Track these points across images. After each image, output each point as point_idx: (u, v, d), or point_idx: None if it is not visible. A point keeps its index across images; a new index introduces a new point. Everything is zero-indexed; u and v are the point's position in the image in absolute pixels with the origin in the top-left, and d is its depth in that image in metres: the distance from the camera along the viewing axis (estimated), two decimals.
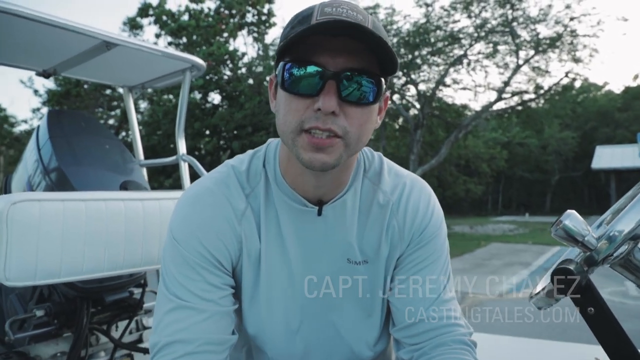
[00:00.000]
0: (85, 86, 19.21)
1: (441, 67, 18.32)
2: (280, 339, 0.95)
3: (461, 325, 0.94)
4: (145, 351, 1.99)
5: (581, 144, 31.90)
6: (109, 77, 2.66)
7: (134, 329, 2.17)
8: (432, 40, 17.46)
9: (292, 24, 0.80)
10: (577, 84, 20.62)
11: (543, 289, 0.88)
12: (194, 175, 2.61)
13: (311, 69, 0.75)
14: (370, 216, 0.94)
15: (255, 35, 21.50)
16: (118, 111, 21.64)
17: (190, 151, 2.26)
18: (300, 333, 0.96)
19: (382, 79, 0.78)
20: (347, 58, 0.75)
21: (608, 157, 22.57)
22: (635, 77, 50.50)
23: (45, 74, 2.38)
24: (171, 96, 20.35)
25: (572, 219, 0.77)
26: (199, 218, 0.87)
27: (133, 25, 19.95)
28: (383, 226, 0.94)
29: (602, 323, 0.73)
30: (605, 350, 0.73)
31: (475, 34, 17.26)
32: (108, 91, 20.42)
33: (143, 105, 22.20)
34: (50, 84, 20.05)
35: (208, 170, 2.24)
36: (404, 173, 1.01)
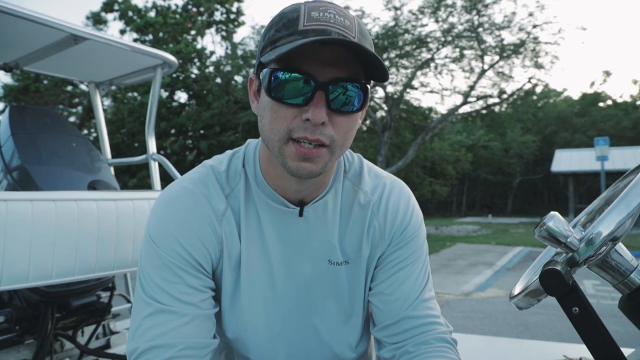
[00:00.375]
0: (45, 81, 18.47)
1: (409, 70, 18.63)
2: (261, 343, 0.94)
3: (441, 323, 0.95)
4: (114, 357, 1.92)
5: (541, 147, 33.12)
6: (75, 73, 2.55)
7: (101, 334, 2.08)
8: (401, 43, 17.73)
9: (276, 26, 0.77)
10: (538, 89, 21.39)
11: (524, 289, 0.89)
12: (164, 175, 2.54)
13: (300, 78, 0.73)
14: (351, 216, 0.94)
15: (224, 33, 21.27)
16: (80, 108, 20.93)
17: (156, 151, 2.20)
18: (281, 336, 0.94)
19: (368, 86, 0.78)
20: (335, 68, 0.74)
21: (566, 160, 23.47)
22: (592, 84, 52.85)
23: (7, 68, 2.25)
24: (136, 94, 19.86)
25: (556, 220, 0.79)
26: (177, 219, 0.84)
27: (97, 20, 19.35)
28: (364, 226, 0.94)
29: (586, 322, 0.75)
30: (589, 349, 0.75)
31: (443, 39, 17.65)
32: (69, 87, 19.72)
33: (106, 102, 21.57)
34: (6, 78, 19.22)
35: (178, 169, 2.19)
36: (384, 174, 1.02)
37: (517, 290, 0.95)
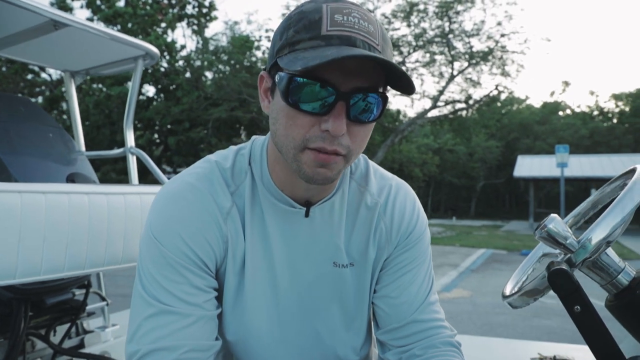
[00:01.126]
0: (4, 69, 17.65)
1: None
2: (263, 345, 0.91)
3: (447, 327, 0.95)
4: (88, 356, 1.85)
5: (504, 153, 34.17)
6: (49, 60, 2.43)
7: (74, 333, 2.00)
8: None
9: (295, 27, 0.72)
10: (503, 96, 22.04)
11: (521, 289, 0.91)
12: (143, 170, 2.47)
13: (322, 88, 0.70)
14: (358, 218, 0.93)
15: (195, 28, 20.90)
16: (40, 98, 20.11)
17: (120, 145, 2.11)
18: (283, 339, 0.92)
19: (387, 94, 0.77)
20: (358, 77, 0.71)
21: (528, 166, 24.28)
22: (552, 93, 54.90)
23: None
24: (101, 85, 19.27)
25: (556, 223, 0.81)
26: (182, 216, 0.81)
27: (62, 7, 18.64)
28: (371, 228, 0.93)
29: (587, 321, 0.77)
30: (589, 347, 0.77)
31: (414, 43, 17.95)
32: (30, 76, 18.91)
33: None
34: None
35: (156, 163, 2.13)
36: (389, 175, 1.01)
37: (509, 290, 0.97)
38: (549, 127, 34.21)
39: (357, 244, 0.93)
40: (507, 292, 0.96)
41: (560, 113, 39.55)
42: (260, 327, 0.90)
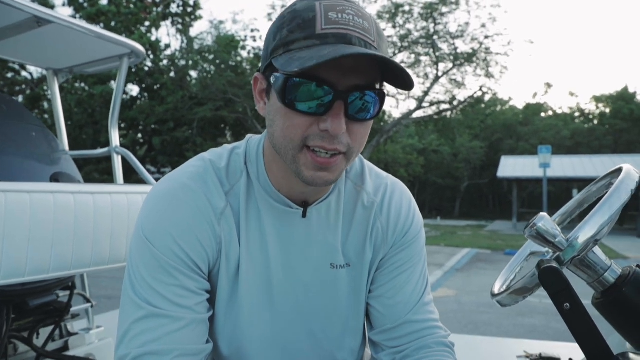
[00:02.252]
0: None
1: None
2: (257, 349, 0.90)
3: (441, 327, 0.95)
4: (72, 359, 1.82)
5: (488, 153, 34.55)
6: (31, 58, 2.38)
7: (57, 336, 1.96)
8: None
9: (289, 26, 0.71)
10: (487, 97, 22.31)
11: (509, 287, 0.92)
12: (127, 170, 2.43)
13: (320, 87, 0.69)
14: (354, 218, 0.92)
15: (180, 27, 20.71)
16: (21, 97, 19.72)
17: (104, 144, 2.08)
18: (279, 342, 0.91)
19: (385, 91, 0.77)
20: (355, 75, 0.71)
21: (511, 166, 24.58)
22: (534, 95, 55.74)
23: None
24: (84, 84, 18.97)
25: (545, 221, 0.82)
26: (174, 216, 0.80)
27: (43, 3, 18.30)
28: (368, 228, 0.92)
29: (576, 318, 0.78)
30: (578, 343, 0.78)
31: (399, 44, 18.05)
32: (10, 74, 18.53)
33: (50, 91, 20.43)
34: None
35: (141, 163, 2.10)
36: (384, 174, 1.01)
37: (498, 288, 0.98)
38: (532, 128, 34.71)
39: (354, 245, 0.92)
40: (496, 290, 0.97)
41: (543, 114, 40.17)
42: (254, 330, 0.88)
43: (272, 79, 0.74)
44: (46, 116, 17.94)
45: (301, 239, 0.88)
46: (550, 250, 0.90)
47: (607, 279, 0.85)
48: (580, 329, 0.79)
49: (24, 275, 1.05)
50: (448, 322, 5.99)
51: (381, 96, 0.76)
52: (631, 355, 0.79)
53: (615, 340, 0.99)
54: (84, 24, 1.93)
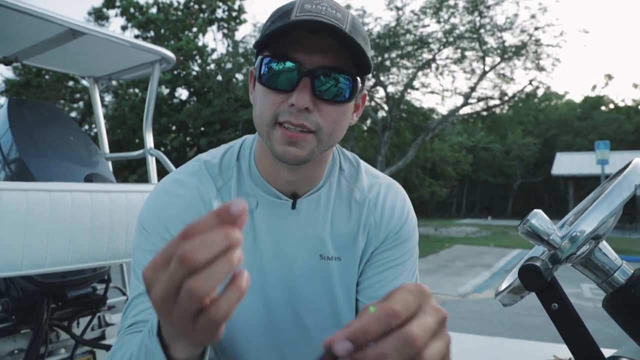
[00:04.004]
0: (47, 77, 18.50)
1: (410, 71, 18.64)
2: (250, 341, 0.93)
3: None
4: (108, 348, 1.94)
5: (542, 150, 33.08)
6: (74, 67, 2.57)
7: (96, 326, 2.10)
8: (402, 43, 17.73)
9: (272, 19, 0.80)
10: (540, 92, 21.39)
11: (509, 286, 0.90)
12: (162, 170, 2.55)
13: (287, 64, 0.76)
14: (346, 212, 0.95)
15: (225, 31, 21.26)
16: (81, 104, 20.95)
17: (156, 147, 2.21)
18: (271, 334, 0.94)
19: (358, 78, 0.79)
20: (323, 56, 0.76)
21: (567, 163, 23.45)
22: (594, 87, 52.85)
23: (6, 61, 2.27)
24: (137, 90, 19.87)
25: (539, 218, 0.80)
26: (167, 208, 0.87)
27: (99, 15, 19.38)
28: (360, 222, 0.95)
29: (565, 319, 0.76)
30: (567, 345, 0.76)
31: (444, 39, 17.64)
32: (71, 82, 19.74)
33: (108, 98, 21.58)
34: (8, 73, 19.27)
35: (176, 165, 2.20)
36: (381, 175, 1.03)
37: (502, 287, 0.96)
38: (590, 123, 32.88)
39: (345, 237, 0.94)
40: (500, 289, 0.96)
41: (603, 108, 37.96)
42: (247, 321, 0.92)
43: (255, 64, 0.81)
44: (105, 121, 18.90)
45: (291, 230, 0.91)
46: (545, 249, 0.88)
47: (616, 280, 0.81)
48: (569, 330, 0.77)
49: (44, 267, 1.15)
50: (492, 325, 5.81)
51: (354, 81, 0.79)
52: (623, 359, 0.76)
53: (632, 347, 0.95)
54: (115, 34, 2.06)
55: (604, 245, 0.84)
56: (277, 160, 0.82)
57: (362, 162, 1.03)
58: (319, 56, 0.76)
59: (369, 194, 0.97)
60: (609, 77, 50.52)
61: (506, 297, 0.92)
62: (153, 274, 0.43)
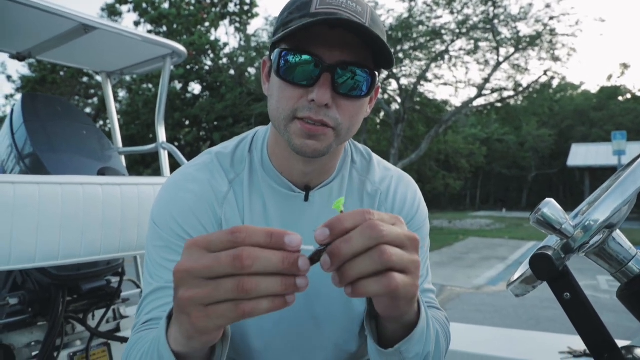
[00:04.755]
0: (62, 73, 18.73)
1: (423, 62, 18.46)
2: (260, 333, 0.93)
3: (440, 309, 0.95)
4: (123, 340, 1.97)
5: (557, 141, 32.61)
6: (86, 62, 2.59)
7: (111, 318, 2.13)
8: (415, 35, 17.55)
9: (289, 9, 0.79)
10: (555, 82, 21.05)
11: (521, 276, 0.89)
12: (174, 164, 2.57)
13: (307, 59, 0.75)
14: (357, 204, 0.95)
15: (237, 25, 21.29)
16: (95, 99, 21.19)
17: (169, 142, 2.23)
18: (282, 326, 0.93)
19: (376, 72, 0.79)
20: (343, 51, 0.75)
21: (583, 155, 23.11)
22: (609, 77, 51.80)
23: (20, 57, 2.30)
24: (150, 85, 20.03)
25: (551, 207, 0.79)
26: (179, 203, 0.87)
27: (112, 11, 19.54)
28: None
29: (577, 308, 0.75)
30: (579, 334, 0.75)
31: (457, 30, 17.42)
32: (85, 79, 19.97)
33: (121, 94, 21.81)
34: (24, 69, 19.57)
35: (188, 159, 2.21)
36: (392, 167, 1.03)
37: (514, 277, 0.95)
38: (607, 113, 32.28)
39: None
40: (512, 279, 0.95)
41: (620, 98, 37.20)
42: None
43: (272, 56, 0.80)
44: (118, 116, 19.13)
45: (304, 222, 0.91)
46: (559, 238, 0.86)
47: (631, 269, 0.80)
48: (581, 320, 0.76)
49: (57, 259, 1.16)
50: (508, 317, 5.77)
51: (372, 76, 0.78)
52: (636, 349, 0.74)
53: None
54: (126, 28, 2.07)
55: (618, 234, 0.83)
56: (293, 152, 0.82)
57: (374, 155, 1.03)
58: (339, 51, 0.75)
59: (381, 186, 0.97)
60: (625, 66, 49.40)
61: (518, 288, 0.91)
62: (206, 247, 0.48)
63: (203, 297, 0.46)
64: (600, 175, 26.30)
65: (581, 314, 0.76)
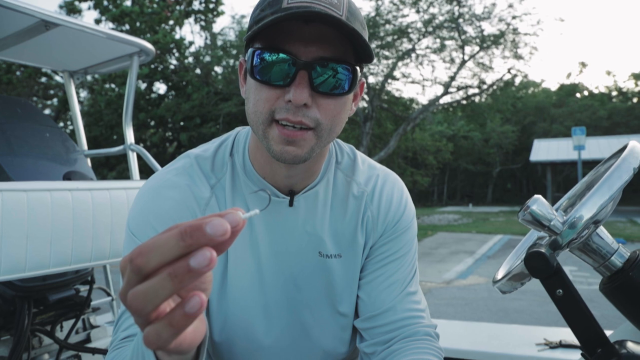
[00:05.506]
0: (18, 73, 17.95)
1: (390, 61, 18.66)
2: (248, 340, 0.90)
3: (425, 317, 0.93)
4: (95, 351, 1.88)
5: (520, 137, 33.62)
6: (47, 61, 2.46)
7: (81, 329, 2.04)
8: (382, 33, 17.72)
9: (261, 6, 0.75)
10: (518, 80, 21.66)
11: (508, 273, 0.89)
12: (143, 167, 2.48)
13: (282, 57, 0.71)
14: (344, 208, 0.92)
15: (203, 23, 20.94)
16: (55, 100, 20.42)
17: (135, 143, 2.14)
18: (270, 333, 0.91)
19: (357, 67, 0.75)
20: (319, 46, 0.71)
21: (545, 150, 23.88)
22: (568, 75, 53.81)
23: None
24: (113, 85, 19.47)
25: (539, 204, 0.79)
26: (158, 210, 0.82)
27: (71, 9, 18.84)
28: (358, 217, 0.92)
29: (570, 305, 0.75)
30: (572, 331, 0.75)
31: (423, 29, 17.69)
32: (44, 79, 19.20)
33: (83, 94, 21.10)
34: None
35: (158, 162, 2.14)
36: (377, 165, 1.00)
37: (500, 274, 0.95)
38: (566, 110, 33.51)
39: (345, 234, 0.91)
40: (498, 277, 0.94)
41: (578, 95, 38.69)
42: (246, 320, 0.88)
43: (246, 56, 0.76)
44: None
45: (289, 228, 0.88)
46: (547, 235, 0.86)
47: (613, 263, 0.81)
48: (574, 316, 0.76)
49: (24, 271, 1.09)
50: (478, 309, 5.89)
51: (353, 71, 0.74)
52: (629, 343, 0.75)
53: (628, 328, 0.95)
54: (90, 25, 1.97)
55: (601, 229, 0.83)
56: (280, 164, 0.78)
57: (359, 153, 1.00)
58: (315, 47, 0.71)
59: (367, 187, 0.94)
60: (583, 64, 51.43)
61: (505, 285, 0.91)
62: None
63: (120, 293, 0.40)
64: (560, 169, 27.28)
65: (574, 310, 0.76)
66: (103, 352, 1.90)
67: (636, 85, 37.13)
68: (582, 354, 0.79)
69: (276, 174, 0.84)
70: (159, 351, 0.51)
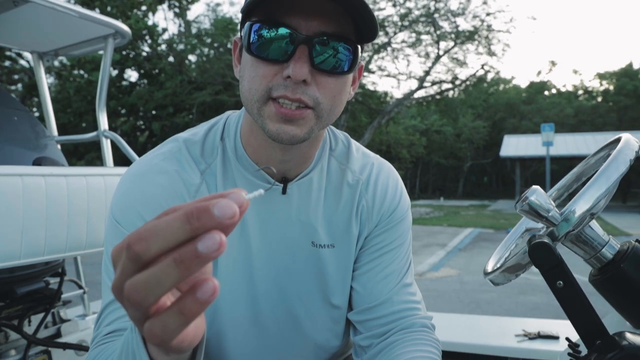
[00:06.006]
0: None
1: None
2: (238, 333, 0.87)
3: (420, 309, 0.92)
4: (65, 346, 1.80)
5: (491, 133, 34.38)
6: (15, 41, 2.31)
7: (51, 323, 1.95)
8: None
9: None
10: (490, 76, 22.09)
11: (502, 265, 0.88)
12: (115, 155, 2.38)
13: (281, 31, 0.66)
14: (338, 196, 0.88)
15: (177, 10, 20.45)
16: (20, 85, 19.63)
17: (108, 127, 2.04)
18: (260, 325, 0.87)
19: (359, 46, 0.71)
20: (321, 20, 0.67)
21: (514, 145, 24.45)
22: (538, 73, 55.21)
23: None
24: (82, 71, 18.85)
25: (538, 194, 0.78)
26: (144, 196, 0.77)
27: None
28: (353, 206, 0.89)
29: (570, 296, 0.74)
30: (572, 322, 0.74)
31: (400, 23, 17.78)
32: (7, 62, 18.40)
33: (50, 80, 20.35)
34: None
35: (132, 147, 2.05)
36: (371, 154, 0.97)
37: (491, 266, 0.94)
38: (535, 107, 34.44)
39: (339, 224, 0.88)
40: (489, 268, 0.93)
41: (546, 93, 39.78)
42: (235, 312, 0.85)
43: (242, 32, 0.71)
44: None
45: (281, 216, 0.84)
46: (544, 226, 0.86)
47: (604, 255, 0.81)
48: (575, 308, 0.75)
49: (19, 258, 1.01)
50: (450, 301, 6.00)
51: (354, 50, 0.71)
52: (627, 334, 0.74)
53: (614, 319, 0.96)
54: (63, 3, 1.86)
55: (592, 221, 0.83)
56: (269, 140, 0.73)
57: (353, 141, 0.96)
58: (317, 21, 0.67)
59: (361, 176, 0.91)
60: (553, 63, 52.87)
61: (499, 277, 0.89)
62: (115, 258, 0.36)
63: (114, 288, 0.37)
64: (529, 164, 28.03)
65: (574, 302, 0.75)
66: (74, 347, 1.82)
67: (601, 84, 38.46)
68: (568, 353, 0.79)
69: (270, 160, 0.80)
70: (155, 350, 0.46)
